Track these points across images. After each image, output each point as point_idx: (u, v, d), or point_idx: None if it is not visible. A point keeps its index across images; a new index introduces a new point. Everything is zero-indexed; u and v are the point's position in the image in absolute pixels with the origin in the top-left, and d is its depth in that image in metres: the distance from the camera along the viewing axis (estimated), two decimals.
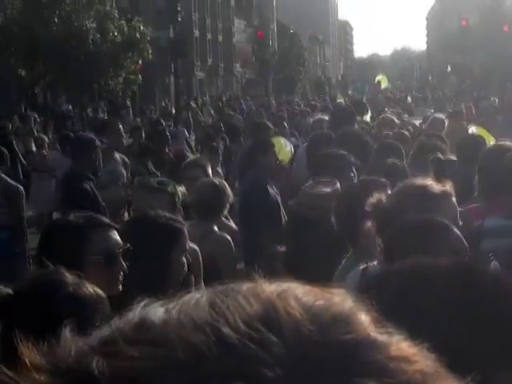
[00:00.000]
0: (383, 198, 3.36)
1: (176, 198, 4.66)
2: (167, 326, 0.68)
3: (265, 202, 7.06)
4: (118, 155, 9.19)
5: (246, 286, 0.71)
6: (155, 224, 3.59)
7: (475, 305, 1.51)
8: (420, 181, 3.48)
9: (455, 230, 2.82)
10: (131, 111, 27.52)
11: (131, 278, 3.33)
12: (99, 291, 2.36)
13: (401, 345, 0.69)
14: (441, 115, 12.74)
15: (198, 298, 0.71)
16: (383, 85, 15.49)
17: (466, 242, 2.78)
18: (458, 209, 4.70)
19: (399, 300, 1.47)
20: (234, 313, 0.68)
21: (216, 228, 5.75)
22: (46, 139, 13.38)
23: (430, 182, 3.43)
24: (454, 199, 3.43)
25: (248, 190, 7.46)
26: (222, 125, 17.40)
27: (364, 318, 0.69)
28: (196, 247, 5.62)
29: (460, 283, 1.54)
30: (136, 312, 0.71)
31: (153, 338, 0.67)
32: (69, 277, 2.34)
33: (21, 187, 8.52)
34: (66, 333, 0.70)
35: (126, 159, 9.48)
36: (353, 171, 5.47)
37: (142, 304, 0.72)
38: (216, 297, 0.70)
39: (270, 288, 0.71)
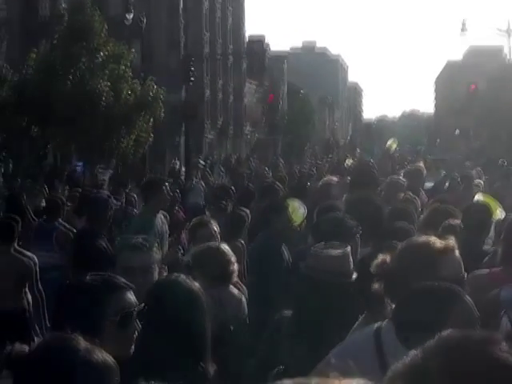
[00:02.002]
0: (387, 258, 3.40)
1: (160, 257, 4.70)
2: None
3: (277, 265, 7.04)
4: (160, 214, 8.93)
5: (321, 381, 0.73)
6: (192, 290, 3.66)
7: None
8: (422, 238, 3.52)
9: (467, 299, 2.85)
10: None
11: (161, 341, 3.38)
12: (110, 359, 2.34)
13: None
14: (419, 165, 12.66)
15: None
16: (393, 148, 15.58)
17: (477, 312, 2.81)
18: (481, 272, 4.73)
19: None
20: None
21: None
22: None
23: (432, 239, 3.45)
24: (457, 252, 3.45)
25: (261, 251, 7.42)
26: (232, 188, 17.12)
27: None
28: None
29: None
30: None
31: None
32: (81, 343, 2.33)
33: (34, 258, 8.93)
34: None
35: (167, 216, 9.34)
36: (354, 237, 5.48)
37: None
38: None
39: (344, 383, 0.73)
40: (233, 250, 6.80)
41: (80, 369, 2.26)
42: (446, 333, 1.57)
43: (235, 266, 5.61)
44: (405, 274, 3.19)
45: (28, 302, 8.86)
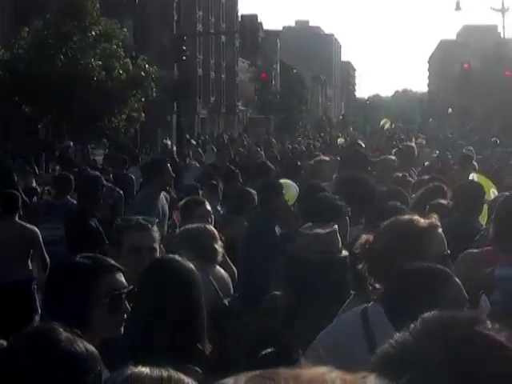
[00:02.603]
0: (370, 238, 3.39)
1: (160, 237, 4.70)
2: None
3: (272, 244, 7.01)
4: (162, 194, 8.77)
5: (286, 371, 0.73)
6: (190, 268, 3.64)
7: None
8: (405, 217, 3.52)
9: (456, 280, 2.86)
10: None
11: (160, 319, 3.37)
12: (92, 348, 2.34)
13: None
14: (411, 144, 12.89)
15: (236, 379, 0.74)
16: (387, 127, 15.61)
17: (465, 293, 2.82)
18: (473, 251, 4.75)
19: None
20: None
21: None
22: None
23: (415, 217, 3.47)
24: (440, 230, 3.45)
25: (257, 230, 7.38)
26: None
27: None
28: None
29: None
30: None
31: None
32: (62, 333, 2.32)
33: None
34: None
35: (168, 196, 9.27)
36: (345, 217, 5.51)
37: None
38: (256, 381, 0.72)
39: (310, 372, 0.73)
40: (234, 229, 6.79)
41: (62, 360, 2.25)
42: (432, 313, 1.59)
43: (221, 246, 5.63)
44: (388, 253, 3.20)
45: (33, 275, 8.87)
